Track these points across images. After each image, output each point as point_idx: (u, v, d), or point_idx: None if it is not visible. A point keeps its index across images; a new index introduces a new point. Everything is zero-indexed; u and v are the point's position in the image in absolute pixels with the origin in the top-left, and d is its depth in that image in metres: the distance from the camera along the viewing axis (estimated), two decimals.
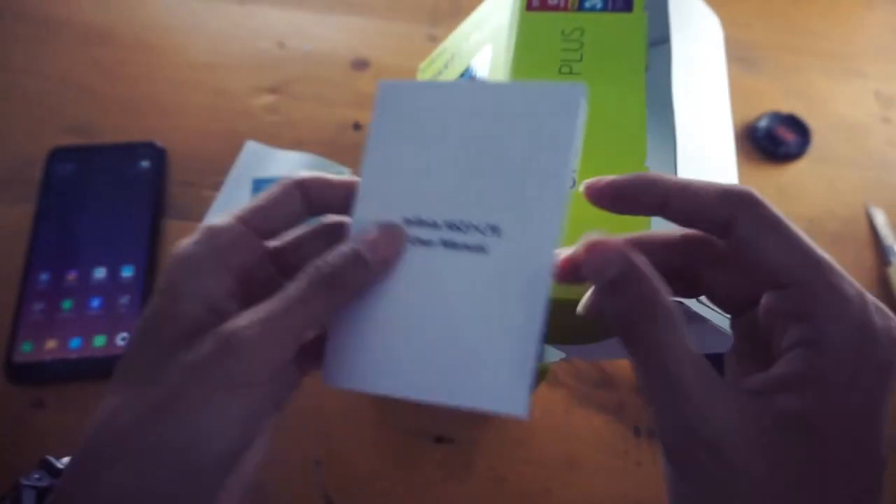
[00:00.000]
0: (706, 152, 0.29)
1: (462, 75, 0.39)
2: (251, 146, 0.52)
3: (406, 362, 0.22)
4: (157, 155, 0.52)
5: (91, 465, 0.20)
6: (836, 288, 0.20)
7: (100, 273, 0.47)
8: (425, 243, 0.23)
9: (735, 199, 0.21)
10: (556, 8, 0.33)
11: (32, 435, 0.42)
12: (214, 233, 0.23)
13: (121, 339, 0.44)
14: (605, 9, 0.32)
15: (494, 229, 0.22)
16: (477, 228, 0.22)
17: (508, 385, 0.21)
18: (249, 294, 0.23)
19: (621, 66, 0.31)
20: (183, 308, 0.21)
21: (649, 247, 0.23)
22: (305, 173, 0.25)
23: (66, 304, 0.45)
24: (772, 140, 0.57)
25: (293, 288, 0.21)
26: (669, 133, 0.29)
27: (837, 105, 0.60)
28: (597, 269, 0.21)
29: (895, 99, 0.61)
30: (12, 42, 0.57)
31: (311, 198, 0.25)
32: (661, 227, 0.25)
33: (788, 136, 0.57)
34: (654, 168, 0.28)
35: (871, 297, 0.20)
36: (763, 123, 0.57)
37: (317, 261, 0.22)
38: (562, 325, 0.28)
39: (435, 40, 0.59)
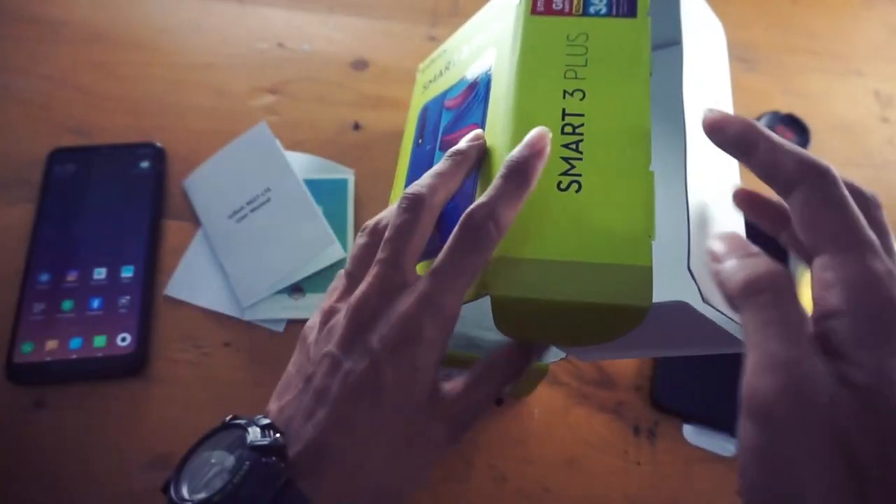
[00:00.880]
0: (713, 153, 0.29)
1: (456, 86, 0.39)
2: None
3: None
4: (157, 155, 0.52)
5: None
6: (866, 270, 0.22)
7: (100, 273, 0.47)
8: None
9: (808, 167, 0.24)
10: (560, 13, 0.33)
11: (33, 435, 0.42)
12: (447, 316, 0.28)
13: (121, 340, 0.44)
14: (609, 14, 0.33)
15: None
16: None
17: None
18: None
19: (626, 71, 0.31)
20: (430, 380, 0.28)
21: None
22: None
23: (67, 305, 0.45)
24: None
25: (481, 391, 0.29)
26: (679, 135, 0.29)
27: (837, 105, 0.60)
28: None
29: (894, 99, 0.61)
30: (12, 42, 0.57)
31: None
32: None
33: (788, 136, 0.57)
34: (661, 170, 0.28)
35: None
36: (762, 123, 0.58)
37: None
38: (567, 327, 0.28)
39: (435, 40, 0.59)
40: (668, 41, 0.35)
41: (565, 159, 0.29)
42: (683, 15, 0.33)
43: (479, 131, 0.32)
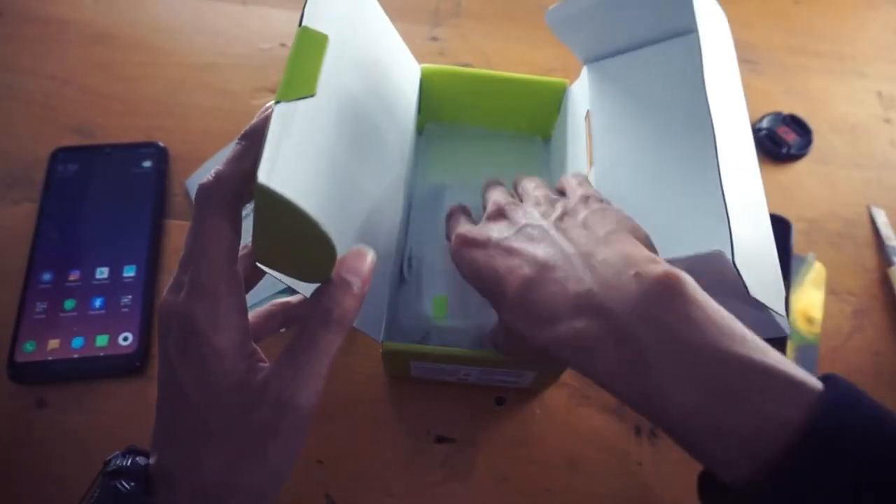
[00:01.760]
0: (737, 146, 0.29)
1: None
2: None
3: None
4: (160, 155, 0.52)
5: None
6: None
7: (102, 273, 0.47)
8: None
9: None
10: None
11: (34, 434, 0.42)
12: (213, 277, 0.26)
13: (123, 339, 0.44)
14: None
15: None
16: None
17: None
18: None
19: None
20: (229, 371, 0.26)
21: None
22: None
23: (69, 304, 0.45)
24: (773, 140, 0.57)
25: (319, 341, 0.26)
26: (705, 127, 0.29)
27: (839, 105, 0.60)
28: None
29: None
30: (14, 43, 0.57)
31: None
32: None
33: (790, 137, 0.57)
34: (694, 163, 0.29)
35: None
36: (764, 124, 0.57)
37: (320, 303, 0.27)
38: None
39: (437, 41, 0.59)
40: (686, 29, 0.35)
41: None
42: (696, 3, 0.33)
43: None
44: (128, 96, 0.55)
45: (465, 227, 0.34)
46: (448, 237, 0.37)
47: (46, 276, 0.46)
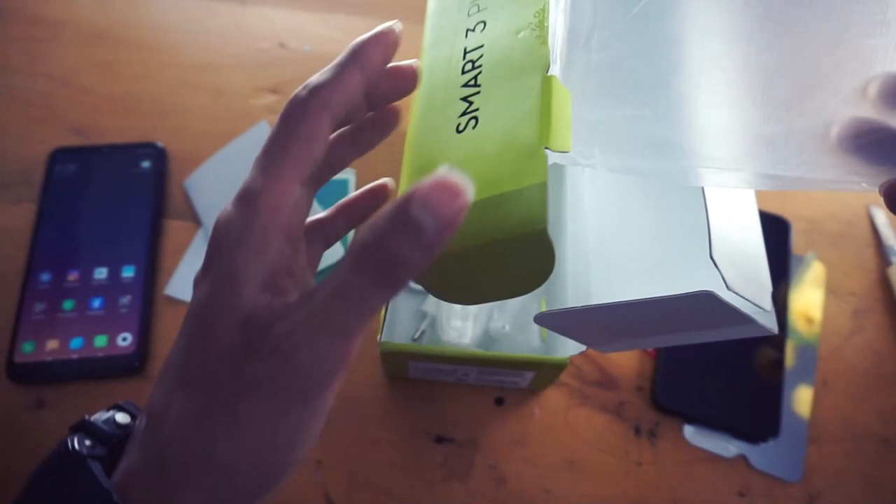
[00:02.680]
0: None
1: None
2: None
3: None
4: (158, 155, 0.52)
5: (162, 485, 0.21)
6: None
7: (101, 273, 0.47)
8: None
9: None
10: None
11: (33, 435, 0.42)
12: (265, 196, 0.21)
13: (122, 340, 0.44)
14: None
15: None
16: None
17: None
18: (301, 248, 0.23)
19: None
20: (240, 300, 0.20)
21: None
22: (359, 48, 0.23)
23: (68, 304, 0.45)
24: None
25: (352, 293, 0.19)
26: None
27: None
28: None
29: None
30: (13, 43, 0.57)
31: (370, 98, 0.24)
32: None
33: None
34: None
35: None
36: None
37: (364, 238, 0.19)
38: (487, 276, 0.25)
39: None
40: None
41: (464, 99, 0.26)
42: None
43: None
44: (126, 97, 0.55)
45: None
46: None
47: (45, 277, 0.46)
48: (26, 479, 0.23)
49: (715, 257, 0.25)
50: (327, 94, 0.22)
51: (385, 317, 0.36)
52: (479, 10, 0.28)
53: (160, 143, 0.52)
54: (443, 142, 0.25)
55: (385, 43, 0.24)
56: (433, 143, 0.25)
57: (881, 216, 0.53)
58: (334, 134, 0.24)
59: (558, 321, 0.29)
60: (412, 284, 0.41)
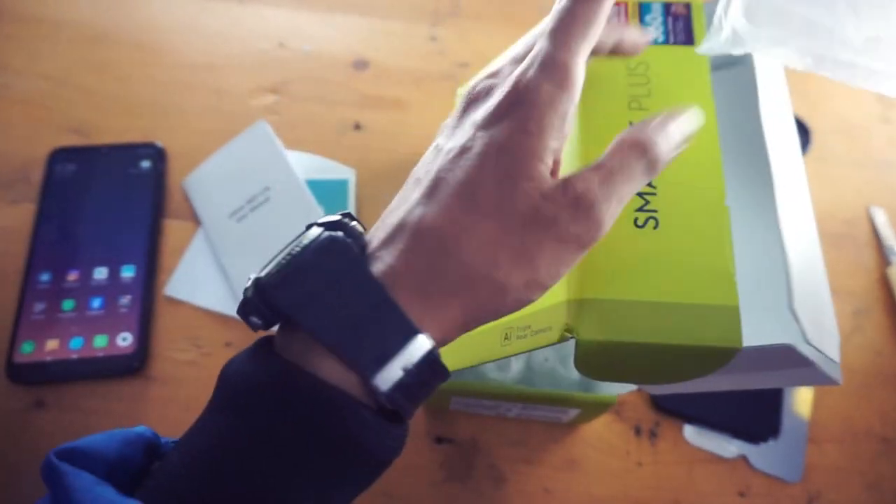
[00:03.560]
0: (793, 182, 0.29)
1: None
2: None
3: None
4: (158, 155, 0.52)
5: (429, 290, 0.23)
6: None
7: (100, 273, 0.47)
8: None
9: None
10: None
11: (33, 435, 0.42)
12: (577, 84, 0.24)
13: (121, 340, 0.44)
14: (666, 42, 0.32)
15: None
16: None
17: None
18: None
19: (689, 98, 0.30)
20: (542, 152, 0.23)
21: None
22: None
23: (67, 305, 0.45)
24: None
25: (634, 174, 0.24)
26: (760, 165, 0.29)
27: (838, 105, 0.60)
28: None
29: None
30: (13, 42, 0.57)
31: None
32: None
33: None
34: (747, 201, 0.28)
35: None
36: None
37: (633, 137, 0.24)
38: (652, 367, 0.27)
39: (435, 40, 0.59)
40: (726, 61, 0.35)
41: (640, 195, 0.28)
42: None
43: None
44: (125, 96, 0.55)
45: None
46: None
47: (45, 277, 0.46)
48: (289, 271, 0.23)
49: (795, 308, 0.26)
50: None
51: None
52: (640, 108, 0.30)
53: (159, 143, 0.52)
54: (621, 226, 0.27)
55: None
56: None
57: (881, 216, 0.53)
58: None
59: None
60: None
